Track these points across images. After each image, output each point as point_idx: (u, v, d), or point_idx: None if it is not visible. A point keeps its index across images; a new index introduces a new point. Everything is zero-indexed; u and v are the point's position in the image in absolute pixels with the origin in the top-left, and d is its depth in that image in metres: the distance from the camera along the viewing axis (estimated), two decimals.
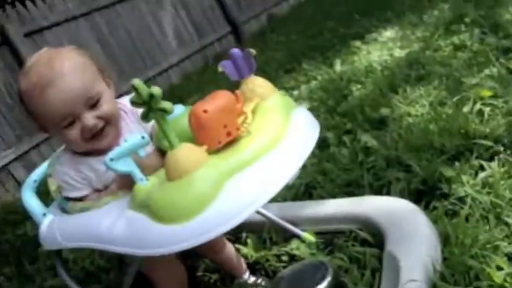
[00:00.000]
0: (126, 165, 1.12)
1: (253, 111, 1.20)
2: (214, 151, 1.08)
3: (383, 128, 2.37)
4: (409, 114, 2.39)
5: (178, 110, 1.27)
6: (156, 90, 1.01)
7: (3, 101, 4.91)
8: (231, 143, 1.11)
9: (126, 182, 1.26)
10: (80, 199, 1.40)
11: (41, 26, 5.35)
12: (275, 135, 1.14)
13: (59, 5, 5.64)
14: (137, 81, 1.01)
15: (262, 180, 1.06)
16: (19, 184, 4.90)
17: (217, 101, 1.09)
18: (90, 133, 1.32)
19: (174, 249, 1.04)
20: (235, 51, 1.26)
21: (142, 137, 1.14)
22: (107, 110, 1.34)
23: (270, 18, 8.16)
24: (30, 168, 4.99)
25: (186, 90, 5.57)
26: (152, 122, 1.38)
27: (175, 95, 5.52)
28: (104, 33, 5.90)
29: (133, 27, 6.24)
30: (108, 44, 5.92)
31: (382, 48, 3.70)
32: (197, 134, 1.08)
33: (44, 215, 1.49)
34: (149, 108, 1.04)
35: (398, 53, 3.47)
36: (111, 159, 1.10)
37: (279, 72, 4.38)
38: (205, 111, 1.06)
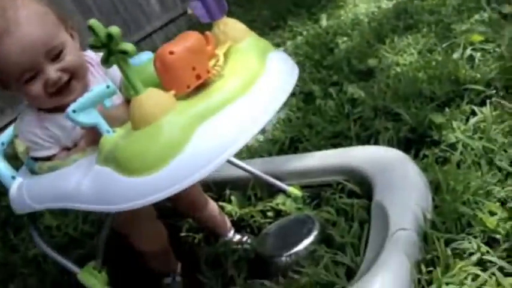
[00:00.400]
0: (91, 117, 1.03)
1: (226, 54, 1.11)
2: (183, 96, 1.00)
3: (370, 79, 2.29)
4: (397, 64, 2.31)
5: (146, 56, 1.18)
6: (115, 29, 0.91)
7: None
8: (202, 87, 1.02)
9: (95, 137, 1.18)
10: (49, 158, 1.31)
11: None
12: (249, 78, 1.05)
13: None
14: (93, 21, 0.92)
15: (237, 124, 0.98)
16: None
17: (185, 41, 1.00)
18: (55, 87, 1.23)
19: (144, 202, 0.96)
20: None
21: (108, 86, 1.05)
22: (71, 62, 1.24)
23: None
24: None
25: None
26: (112, 72, 1.29)
27: None
28: None
29: None
30: (89, 10, 5.73)
31: (369, 1, 3.57)
32: (163, 78, 0.99)
33: (13, 178, 1.41)
34: (109, 51, 0.94)
35: (386, 4, 3.35)
36: (74, 111, 1.02)
37: (265, 30, 4.26)
38: (171, 53, 0.97)
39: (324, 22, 3.53)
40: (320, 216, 1.53)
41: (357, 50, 2.66)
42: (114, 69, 1.29)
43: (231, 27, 1.17)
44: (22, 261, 2.27)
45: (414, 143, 1.70)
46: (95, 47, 0.95)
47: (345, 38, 2.96)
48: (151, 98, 0.95)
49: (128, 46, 0.93)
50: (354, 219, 1.44)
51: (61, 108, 1.27)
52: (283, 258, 1.43)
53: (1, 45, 1.16)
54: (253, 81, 1.05)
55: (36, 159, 1.33)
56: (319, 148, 1.86)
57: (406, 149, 1.63)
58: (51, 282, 1.96)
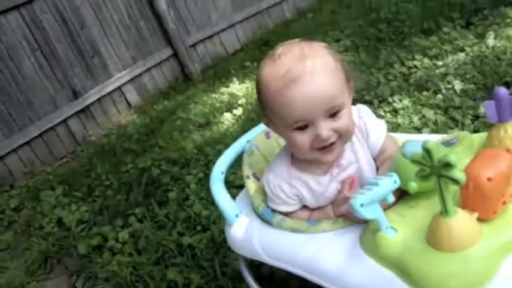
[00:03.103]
0: (374, 212, 1.03)
1: None
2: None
3: None
4: None
5: (417, 146, 1.13)
6: (453, 159, 0.88)
7: (122, 22, 4.90)
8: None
9: (349, 213, 1.18)
10: (286, 213, 1.33)
11: None
12: None
13: None
14: (432, 144, 0.89)
15: None
16: (130, 106, 4.99)
17: (500, 166, 0.96)
18: (320, 144, 1.19)
19: None
20: (502, 91, 1.09)
21: (395, 182, 1.03)
22: (344, 126, 1.18)
23: None
24: (141, 91, 5.06)
25: (303, 28, 5.35)
26: (375, 140, 1.27)
27: (292, 33, 5.32)
28: None
29: None
30: None
31: None
32: (472, 199, 0.97)
33: (236, 216, 1.45)
34: (433, 170, 0.92)
35: None
36: (362, 205, 1.01)
37: (415, 30, 4.05)
38: (489, 179, 0.93)
39: (490, 41, 3.32)
40: None
41: None
42: (376, 141, 1.27)
43: None
44: (176, 247, 2.38)
45: None
46: (418, 163, 0.94)
47: None
48: (462, 226, 0.93)
49: (460, 176, 0.89)
50: None
51: (312, 165, 1.27)
52: None
53: (288, 89, 1.13)
54: None
55: (273, 210, 1.35)
56: None
57: None
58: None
